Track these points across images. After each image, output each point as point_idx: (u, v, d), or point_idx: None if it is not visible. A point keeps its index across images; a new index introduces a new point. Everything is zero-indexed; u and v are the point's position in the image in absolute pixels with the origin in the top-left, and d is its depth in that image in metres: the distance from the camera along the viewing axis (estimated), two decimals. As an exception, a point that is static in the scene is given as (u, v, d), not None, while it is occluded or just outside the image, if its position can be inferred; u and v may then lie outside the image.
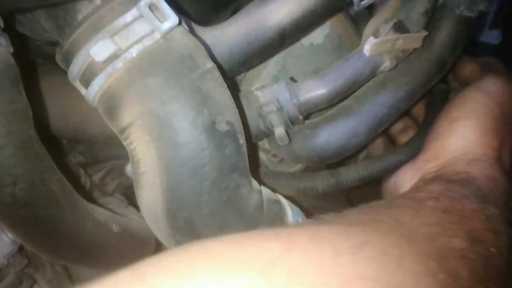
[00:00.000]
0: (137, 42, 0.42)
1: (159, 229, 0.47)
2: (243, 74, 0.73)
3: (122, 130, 0.44)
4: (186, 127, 0.43)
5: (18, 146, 0.37)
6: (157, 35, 0.42)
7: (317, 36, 0.73)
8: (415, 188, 0.55)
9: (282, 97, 0.60)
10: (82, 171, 0.68)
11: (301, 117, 0.61)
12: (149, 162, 0.43)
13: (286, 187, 0.69)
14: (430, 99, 0.77)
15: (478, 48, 1.28)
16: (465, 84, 0.67)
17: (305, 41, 0.72)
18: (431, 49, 0.65)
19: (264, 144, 0.73)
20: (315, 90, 0.61)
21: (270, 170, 0.72)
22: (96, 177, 0.75)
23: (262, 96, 0.61)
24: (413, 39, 0.62)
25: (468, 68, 0.73)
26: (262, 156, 0.76)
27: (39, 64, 0.67)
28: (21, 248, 0.56)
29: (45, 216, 0.41)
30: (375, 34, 0.60)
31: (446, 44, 0.66)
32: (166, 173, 0.43)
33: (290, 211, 0.55)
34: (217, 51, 0.57)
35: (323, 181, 0.69)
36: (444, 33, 0.66)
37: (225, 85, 0.47)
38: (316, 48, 0.73)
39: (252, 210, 0.49)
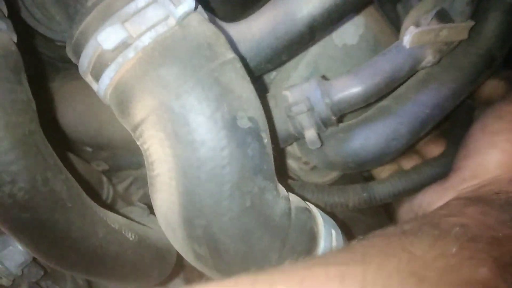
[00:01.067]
0: (150, 29, 0.37)
1: (176, 238, 0.42)
2: (272, 77, 0.69)
3: (135, 128, 0.39)
4: (204, 123, 0.38)
5: (17, 140, 0.34)
6: (171, 21, 0.38)
7: (351, 36, 0.67)
8: (446, 210, 0.48)
9: (313, 96, 0.54)
10: (105, 179, 0.65)
11: (334, 117, 0.56)
12: (163, 162, 0.39)
13: (313, 201, 0.64)
14: (456, 113, 0.70)
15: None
16: (489, 103, 0.60)
17: (338, 41, 0.67)
18: (478, 42, 0.59)
19: (294, 150, 0.68)
20: (349, 88, 0.55)
21: (296, 182, 0.66)
22: (121, 187, 0.71)
23: (292, 95, 0.56)
24: (459, 30, 0.55)
25: (489, 86, 0.67)
26: (293, 164, 0.71)
27: (61, 69, 0.65)
28: (36, 258, 0.52)
29: (50, 220, 0.37)
30: (416, 25, 0.54)
31: (495, 37, 0.59)
32: (182, 175, 0.39)
33: (321, 220, 0.49)
34: (243, 47, 0.53)
35: (354, 196, 0.63)
36: (493, 24, 0.59)
37: (248, 78, 0.43)
38: (350, 49, 0.68)
39: (278, 218, 0.43)
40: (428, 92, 0.59)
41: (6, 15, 0.38)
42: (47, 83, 0.62)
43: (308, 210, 0.48)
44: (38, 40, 0.57)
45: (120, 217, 0.47)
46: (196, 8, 0.40)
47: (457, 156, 0.56)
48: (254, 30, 0.52)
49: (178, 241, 0.42)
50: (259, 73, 0.56)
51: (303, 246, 0.45)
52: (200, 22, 0.40)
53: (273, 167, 0.44)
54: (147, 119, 0.38)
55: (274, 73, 0.69)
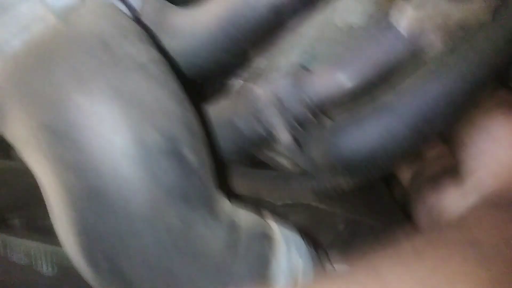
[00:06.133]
0: (22, 29, 0.28)
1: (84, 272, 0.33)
2: (263, 66, 0.56)
3: (19, 152, 0.30)
4: (96, 145, 0.28)
5: None
6: (50, 17, 0.28)
7: (358, 16, 0.52)
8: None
9: (282, 90, 0.42)
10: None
11: (311, 116, 0.43)
12: (51, 190, 0.30)
13: (298, 192, 0.52)
14: None
15: None
16: None
17: (340, 22, 0.52)
18: (504, 23, 0.42)
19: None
20: (331, 80, 0.42)
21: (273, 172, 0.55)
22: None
23: (257, 88, 0.45)
24: (478, 11, 0.40)
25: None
26: (284, 162, 0.59)
27: None
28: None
29: None
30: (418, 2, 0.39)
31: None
32: (73, 208, 0.29)
33: (283, 249, 0.38)
34: (197, 35, 0.41)
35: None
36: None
37: (174, 85, 0.32)
38: (356, 32, 0.52)
39: (216, 253, 0.33)
40: (435, 83, 0.44)
41: None
42: None
43: (267, 237, 0.37)
44: None
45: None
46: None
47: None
48: (210, 17, 0.40)
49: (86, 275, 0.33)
50: (219, 67, 0.44)
51: (252, 277, 0.35)
52: (98, 15, 0.29)
53: (207, 189, 0.33)
54: (27, 143, 0.29)
55: (265, 62, 0.57)
